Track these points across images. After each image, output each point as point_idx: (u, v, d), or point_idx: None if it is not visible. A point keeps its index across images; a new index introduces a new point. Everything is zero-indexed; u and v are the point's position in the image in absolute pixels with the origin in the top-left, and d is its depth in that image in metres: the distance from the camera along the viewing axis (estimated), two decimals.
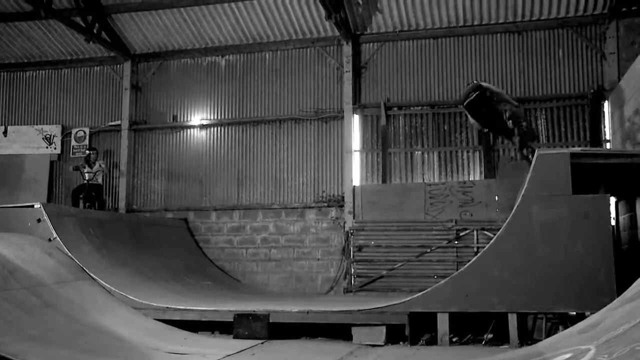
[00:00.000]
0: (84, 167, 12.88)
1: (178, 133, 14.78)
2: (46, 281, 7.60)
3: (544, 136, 12.57)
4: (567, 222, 7.61)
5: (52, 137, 15.38)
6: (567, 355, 4.47)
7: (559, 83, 12.60)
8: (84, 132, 15.22)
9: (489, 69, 12.99)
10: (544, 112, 12.62)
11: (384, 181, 13.12)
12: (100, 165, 13.07)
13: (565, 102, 12.51)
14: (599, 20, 12.38)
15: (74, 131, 15.29)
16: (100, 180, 13.16)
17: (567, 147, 11.95)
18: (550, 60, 12.69)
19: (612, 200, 9.72)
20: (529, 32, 12.85)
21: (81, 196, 12.66)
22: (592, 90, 12.21)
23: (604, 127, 12.16)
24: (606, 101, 12.05)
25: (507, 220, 8.00)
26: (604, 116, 12.18)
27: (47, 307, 6.99)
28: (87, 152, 13.41)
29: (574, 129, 12.42)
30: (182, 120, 14.76)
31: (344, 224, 13.08)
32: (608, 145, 11.86)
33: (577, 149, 9.12)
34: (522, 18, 12.80)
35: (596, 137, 12.13)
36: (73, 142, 15.23)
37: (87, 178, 12.72)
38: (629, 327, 4.27)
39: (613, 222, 9.39)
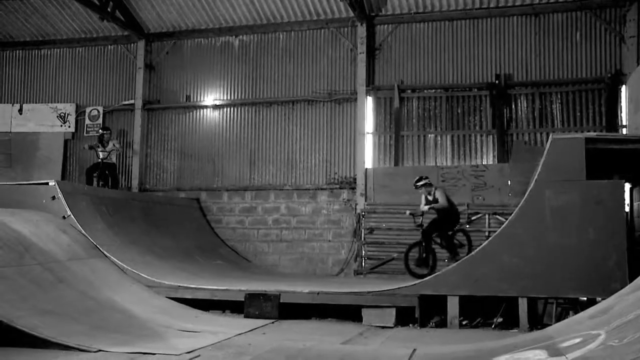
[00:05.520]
0: (98, 147, 12.95)
1: (191, 113, 14.80)
2: (60, 257, 7.70)
3: (559, 121, 12.44)
4: (580, 207, 7.57)
5: (66, 115, 15.47)
6: (577, 340, 4.48)
7: (576, 67, 12.42)
8: (98, 111, 15.29)
9: (505, 52, 12.82)
10: (559, 96, 12.46)
11: (396, 164, 13.08)
12: (114, 145, 13.11)
13: (582, 86, 12.34)
14: (620, 3, 12.14)
15: (88, 110, 15.36)
16: (114, 159, 13.23)
17: (583, 132, 11.81)
18: (567, 44, 12.49)
19: (627, 186, 9.62)
20: (546, 15, 12.64)
21: (95, 175, 12.74)
22: (609, 75, 12.03)
23: (621, 112, 12.00)
24: (624, 86, 11.87)
25: (519, 205, 7.98)
26: (621, 101, 12.01)
27: (61, 283, 7.10)
28: (101, 131, 13.46)
29: (590, 113, 12.27)
30: (195, 100, 14.77)
31: (355, 206, 13.08)
32: (624, 131, 11.71)
33: (592, 134, 9.03)
34: (539, 0, 12.60)
35: (612, 122, 11.98)
36: (87, 121, 15.30)
37: (101, 157, 12.80)
38: None
39: (627, 208, 9.31)
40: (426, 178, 10.31)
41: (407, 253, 10.13)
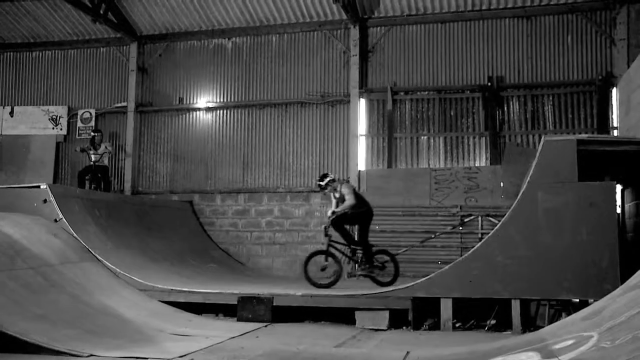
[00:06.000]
0: (90, 149, 12.91)
1: (184, 115, 14.77)
2: (52, 261, 7.64)
3: (551, 122, 12.51)
4: (573, 209, 7.58)
5: (58, 118, 15.40)
6: (570, 342, 4.49)
7: (567, 69, 12.49)
8: (90, 114, 15.23)
9: (497, 55, 12.88)
10: (551, 98, 12.53)
11: (389, 166, 13.10)
12: (106, 147, 13.09)
13: (573, 88, 12.41)
14: (610, 6, 12.23)
15: (80, 112, 15.30)
16: (106, 162, 13.20)
17: (575, 133, 11.87)
18: (559, 46, 12.57)
19: (618, 187, 9.67)
20: (537, 17, 12.71)
21: (87, 177, 12.71)
22: (600, 77, 12.11)
23: (612, 114, 12.07)
24: (614, 88, 11.94)
25: (512, 207, 7.99)
26: (612, 103, 12.09)
27: (53, 287, 7.04)
28: (92, 134, 13.42)
29: (582, 115, 12.34)
30: (188, 102, 14.74)
31: None
32: (615, 133, 11.78)
33: (583, 136, 9.06)
34: (531, 3, 12.67)
35: (604, 124, 12.05)
36: (79, 124, 15.25)
37: (93, 160, 12.77)
38: (632, 315, 4.27)
39: (619, 210, 9.36)
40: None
41: (307, 260, 9.22)
